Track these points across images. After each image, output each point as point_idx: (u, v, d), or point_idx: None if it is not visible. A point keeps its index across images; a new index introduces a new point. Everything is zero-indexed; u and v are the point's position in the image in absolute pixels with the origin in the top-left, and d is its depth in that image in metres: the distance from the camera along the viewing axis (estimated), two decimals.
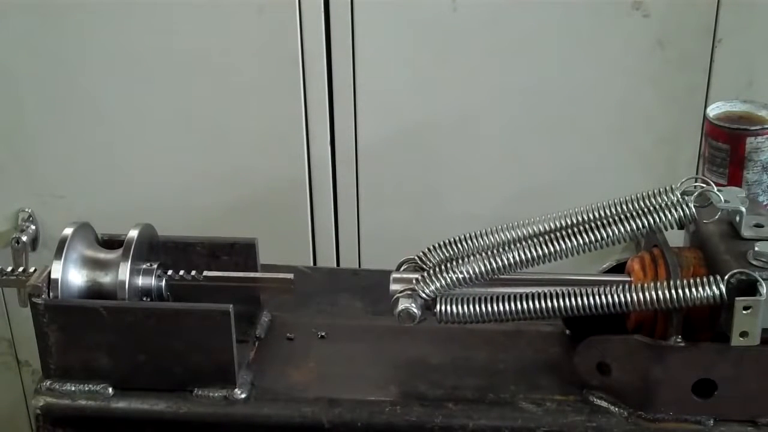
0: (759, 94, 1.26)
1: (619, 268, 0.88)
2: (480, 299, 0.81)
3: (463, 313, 0.81)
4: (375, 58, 1.30)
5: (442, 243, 0.84)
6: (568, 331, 0.91)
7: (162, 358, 0.84)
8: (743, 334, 0.77)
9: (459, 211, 1.37)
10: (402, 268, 0.84)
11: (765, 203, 1.00)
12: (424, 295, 0.81)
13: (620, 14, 1.28)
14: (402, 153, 1.36)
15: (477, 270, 0.81)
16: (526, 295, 0.81)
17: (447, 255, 0.84)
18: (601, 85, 1.32)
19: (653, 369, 0.81)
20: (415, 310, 0.81)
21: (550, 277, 0.85)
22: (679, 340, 0.80)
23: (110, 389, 0.85)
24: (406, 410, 0.84)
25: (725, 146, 0.98)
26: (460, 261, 0.82)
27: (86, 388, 0.85)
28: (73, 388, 0.85)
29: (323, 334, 0.93)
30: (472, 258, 0.82)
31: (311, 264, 1.42)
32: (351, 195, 1.39)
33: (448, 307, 0.81)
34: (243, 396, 0.84)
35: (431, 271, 0.82)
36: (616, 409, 0.83)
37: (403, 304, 0.81)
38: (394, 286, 0.82)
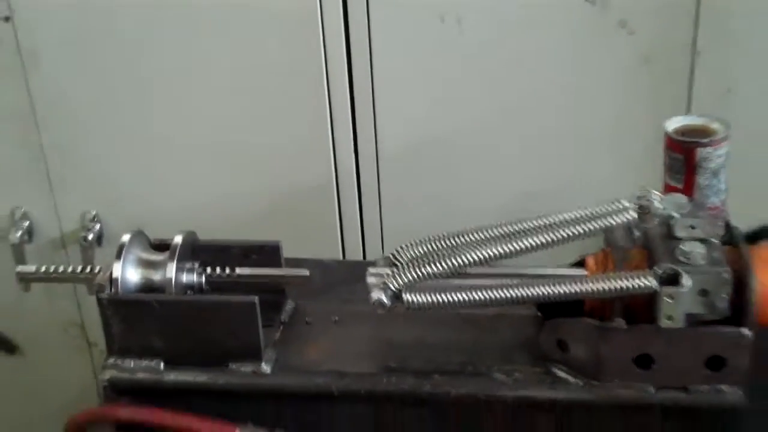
0: (737, 102, 1.42)
1: None
2: (439, 291, 0.97)
3: (425, 302, 0.97)
4: (391, 74, 1.46)
5: (412, 242, 1.01)
6: (540, 315, 1.08)
7: (203, 340, 1.02)
8: (669, 318, 0.94)
9: (471, 210, 1.53)
10: (379, 264, 1.01)
11: (717, 204, 1.16)
12: (393, 288, 0.98)
13: (609, 32, 1.42)
14: (418, 159, 1.53)
15: (439, 268, 0.97)
16: (483, 287, 0.97)
17: (416, 253, 1.00)
18: (595, 98, 1.46)
19: (602, 346, 0.98)
20: (386, 300, 0.97)
21: (518, 271, 1.02)
22: (621, 322, 0.97)
23: (162, 365, 1.03)
24: (400, 380, 1.01)
25: (680, 156, 1.14)
26: (425, 259, 0.98)
27: (142, 364, 1.03)
28: (132, 364, 1.03)
29: (336, 318, 1.12)
30: (435, 257, 0.98)
31: (341, 258, 1.60)
32: (374, 197, 1.56)
33: (413, 297, 0.97)
34: (268, 370, 1.03)
35: (401, 267, 0.99)
36: (574, 379, 1.00)
37: (376, 295, 0.97)
38: (369, 279, 0.99)
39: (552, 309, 1.03)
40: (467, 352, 1.05)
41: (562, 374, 1.01)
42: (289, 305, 1.13)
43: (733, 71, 1.44)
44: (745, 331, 0.95)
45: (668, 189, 1.16)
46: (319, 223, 1.58)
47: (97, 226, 1.59)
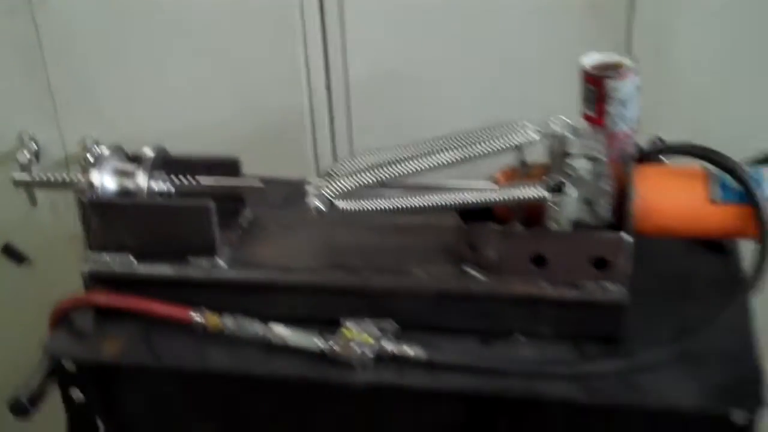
0: (670, 49, 1.57)
1: None
2: (366, 199, 1.14)
3: (353, 208, 1.14)
4: (360, 8, 1.62)
5: (349, 158, 1.18)
6: (462, 222, 1.23)
7: (168, 237, 1.19)
8: (556, 222, 1.11)
9: (432, 132, 1.69)
10: (320, 176, 1.17)
11: (626, 130, 1.31)
12: (327, 196, 1.14)
13: None
14: (384, 85, 1.67)
15: (366, 179, 1.14)
16: (403, 196, 1.14)
17: (352, 167, 1.17)
18: (547, 44, 1.60)
19: (503, 247, 1.14)
20: (321, 206, 1.14)
21: (441, 184, 1.19)
22: (519, 226, 1.13)
23: (133, 259, 1.21)
24: (335, 275, 1.19)
25: (593, 88, 1.29)
26: (358, 172, 1.15)
27: (117, 259, 1.21)
28: (108, 258, 1.21)
29: (288, 224, 1.29)
30: (363, 170, 1.15)
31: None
32: (345, 125, 1.73)
33: (344, 204, 1.14)
34: (224, 264, 1.21)
35: (336, 179, 1.15)
36: (482, 276, 1.16)
37: (312, 202, 1.14)
38: (308, 188, 1.16)
39: (472, 217, 1.20)
40: (395, 253, 1.22)
41: (472, 272, 1.17)
42: (249, 214, 1.30)
43: (667, 24, 1.57)
44: (625, 235, 1.11)
45: (585, 117, 1.31)
46: (295, 150, 1.75)
47: (97, 149, 1.76)
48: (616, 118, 1.29)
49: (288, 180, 1.42)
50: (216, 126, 1.75)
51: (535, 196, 1.10)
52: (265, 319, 1.17)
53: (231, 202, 1.27)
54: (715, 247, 1.31)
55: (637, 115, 1.31)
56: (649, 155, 1.22)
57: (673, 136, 1.28)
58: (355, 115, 1.73)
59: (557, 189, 1.09)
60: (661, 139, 1.28)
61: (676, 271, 1.27)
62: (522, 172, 1.16)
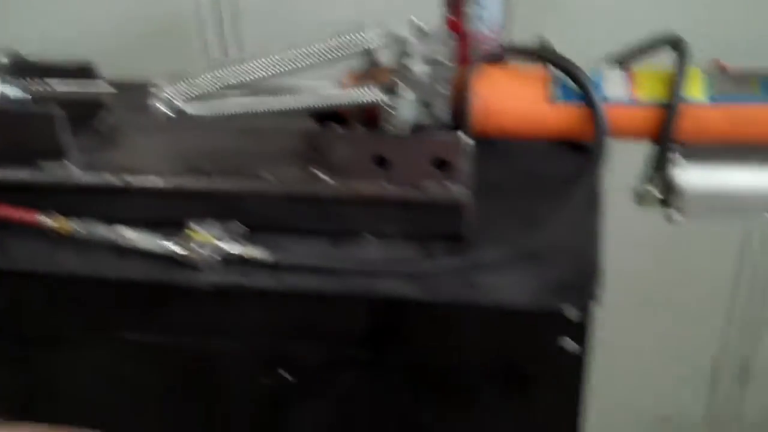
0: None
1: None
2: (209, 103, 1.15)
3: (197, 114, 1.15)
4: None
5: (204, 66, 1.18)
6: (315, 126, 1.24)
7: (22, 144, 1.20)
8: (392, 125, 1.12)
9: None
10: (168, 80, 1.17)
11: (485, 32, 1.32)
12: (172, 98, 1.15)
13: None
14: None
15: (208, 84, 1.15)
16: (249, 99, 1.15)
17: (200, 72, 1.17)
18: None
19: (347, 150, 1.16)
20: (165, 110, 1.15)
21: (288, 87, 1.20)
22: (358, 128, 1.15)
23: None
24: (183, 178, 1.20)
25: None
26: (201, 77, 1.16)
27: None
28: None
29: (146, 128, 1.29)
30: (208, 75, 1.16)
31: None
32: (231, 26, 1.73)
33: (190, 109, 1.15)
34: (74, 168, 1.21)
35: (182, 84, 1.15)
36: (329, 178, 1.18)
37: (155, 105, 1.15)
38: (153, 91, 1.15)
39: (326, 120, 1.21)
40: (245, 156, 1.23)
41: (320, 174, 1.18)
42: (109, 119, 1.31)
43: None
44: (462, 136, 1.13)
45: (447, 21, 1.32)
46: (187, 56, 1.76)
47: None
48: (474, 19, 1.30)
49: None
50: (108, 31, 1.75)
51: (370, 99, 1.11)
52: (116, 222, 1.18)
53: (89, 107, 1.27)
54: (580, 148, 1.32)
55: (500, 16, 1.32)
56: (502, 56, 1.23)
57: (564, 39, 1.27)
58: (243, 18, 1.73)
59: (391, 91, 1.10)
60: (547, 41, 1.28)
61: (534, 171, 1.29)
62: (367, 75, 1.17)
